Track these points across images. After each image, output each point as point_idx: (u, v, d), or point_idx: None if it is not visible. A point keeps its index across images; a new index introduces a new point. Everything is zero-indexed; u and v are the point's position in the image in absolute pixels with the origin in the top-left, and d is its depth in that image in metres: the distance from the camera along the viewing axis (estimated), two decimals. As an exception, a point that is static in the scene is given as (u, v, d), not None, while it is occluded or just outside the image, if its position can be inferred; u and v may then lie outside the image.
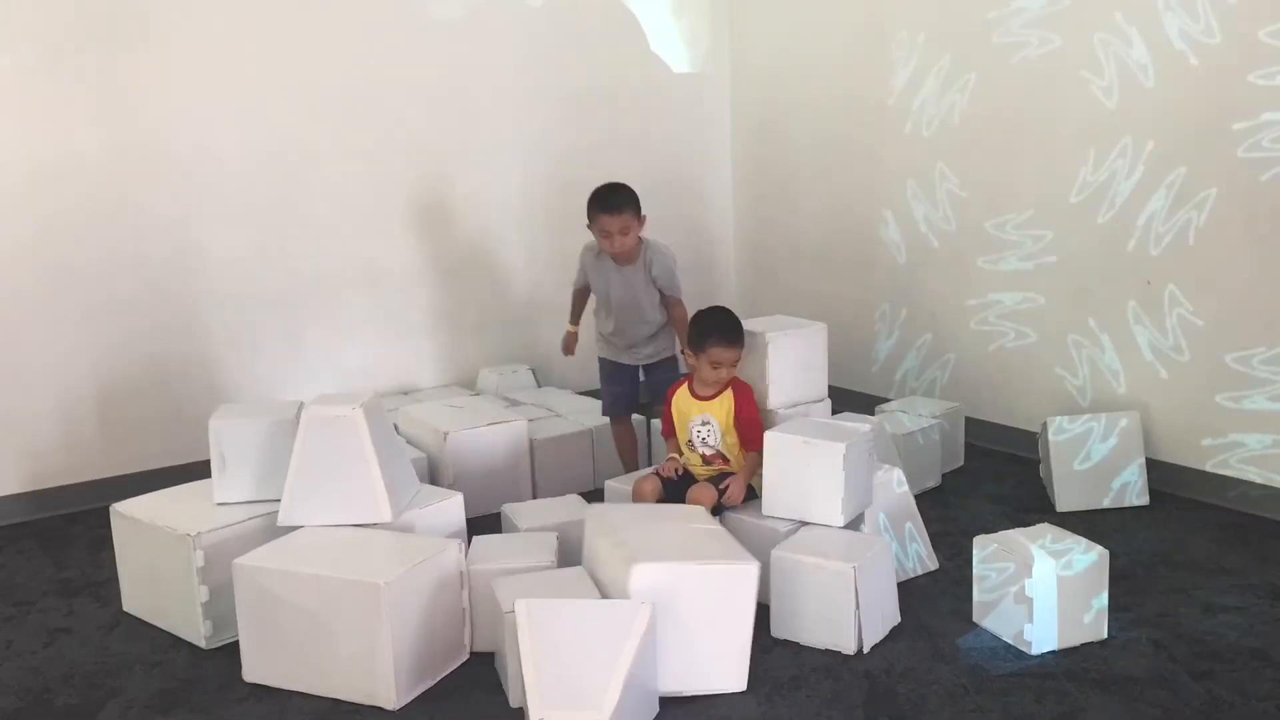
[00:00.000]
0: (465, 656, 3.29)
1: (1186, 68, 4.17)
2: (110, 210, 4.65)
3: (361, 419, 3.41)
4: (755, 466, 3.69)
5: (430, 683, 3.15)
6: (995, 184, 4.92)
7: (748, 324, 3.95)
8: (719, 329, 3.77)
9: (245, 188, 4.93)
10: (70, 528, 4.48)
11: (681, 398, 3.86)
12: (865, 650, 3.24)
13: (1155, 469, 4.37)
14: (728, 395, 3.77)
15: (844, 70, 5.55)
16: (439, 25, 5.33)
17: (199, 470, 4.83)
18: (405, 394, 5.34)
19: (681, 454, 3.86)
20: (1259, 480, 4.16)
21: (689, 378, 3.88)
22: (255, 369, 5.01)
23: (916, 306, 5.36)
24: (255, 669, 3.20)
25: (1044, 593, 3.18)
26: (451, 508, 3.65)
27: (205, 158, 4.82)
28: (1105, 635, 3.27)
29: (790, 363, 3.89)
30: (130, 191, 4.68)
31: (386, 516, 3.42)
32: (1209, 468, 4.31)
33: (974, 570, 3.40)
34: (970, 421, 4.96)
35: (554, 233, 5.68)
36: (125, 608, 3.70)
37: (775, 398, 3.87)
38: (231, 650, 3.34)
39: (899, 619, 3.42)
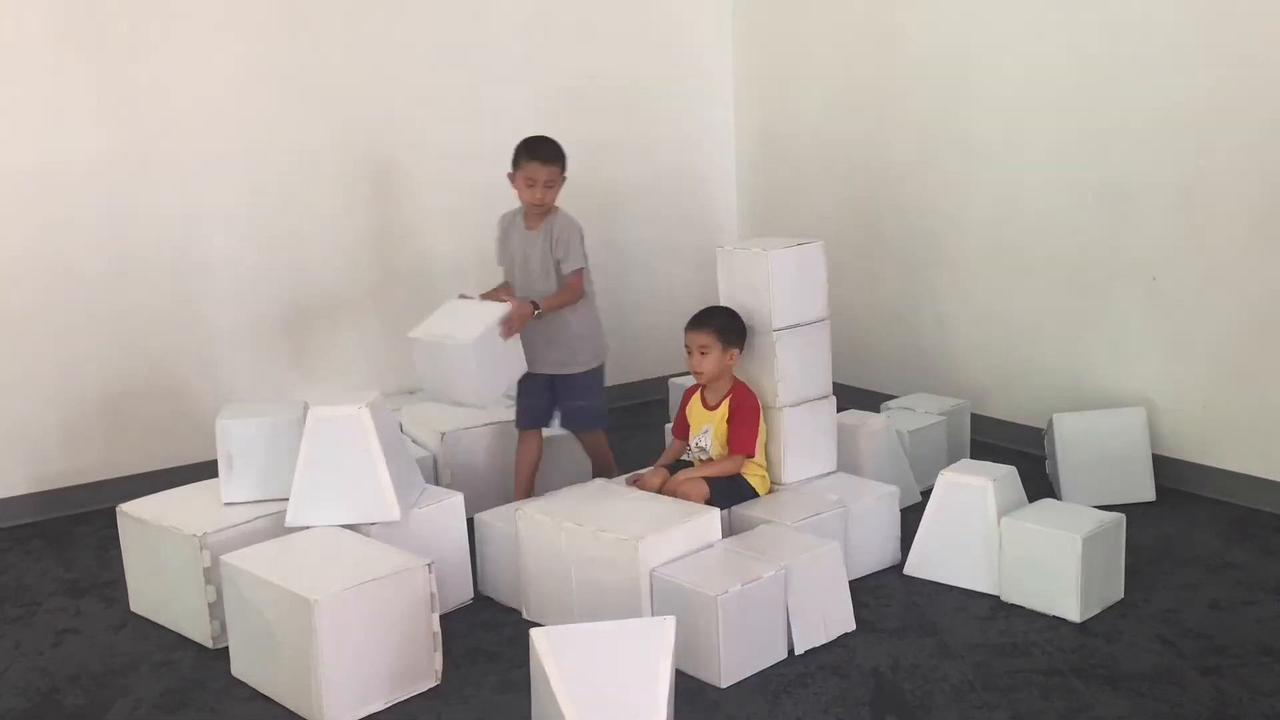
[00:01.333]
0: (433, 682, 3.15)
1: (1174, 71, 4.17)
2: (114, 213, 4.65)
3: (368, 418, 3.41)
4: (730, 470, 3.75)
5: (377, 706, 3.03)
6: (1001, 180, 4.91)
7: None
8: (694, 316, 3.83)
9: (248, 189, 4.92)
10: (77, 528, 4.49)
11: (694, 405, 3.91)
12: (797, 653, 3.23)
13: (1161, 464, 4.35)
14: (726, 403, 3.80)
15: (849, 65, 5.54)
16: (441, 27, 5.32)
17: (205, 470, 4.81)
18: (410, 394, 5.33)
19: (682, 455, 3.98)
20: (1265, 475, 4.15)
21: (703, 387, 3.89)
22: (259, 370, 5.01)
23: (921, 302, 5.34)
24: (238, 665, 3.22)
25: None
26: (452, 507, 3.65)
27: (208, 160, 4.81)
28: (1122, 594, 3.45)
29: (795, 360, 3.88)
30: (134, 195, 4.68)
31: (395, 515, 3.42)
32: (1215, 463, 4.30)
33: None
34: (976, 418, 4.96)
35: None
36: (133, 608, 3.71)
37: (783, 395, 3.86)
38: (238, 650, 3.35)
39: (853, 625, 3.38)
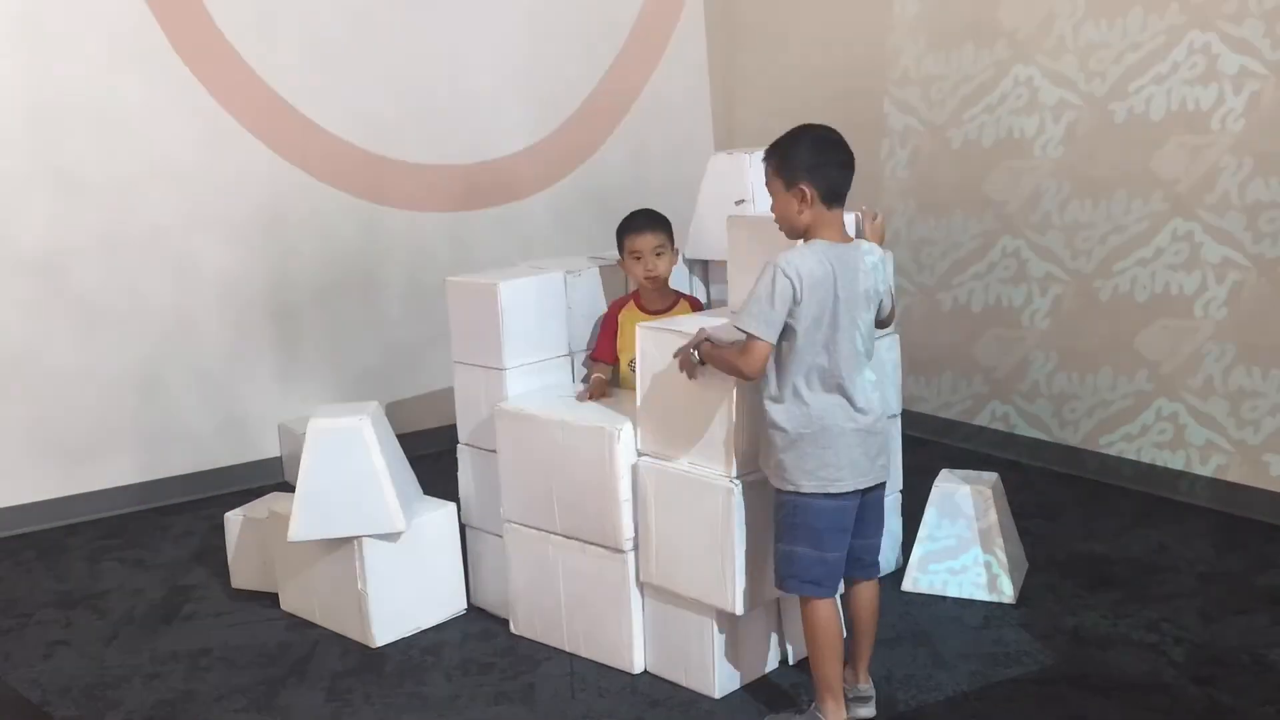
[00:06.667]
0: None
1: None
2: (110, 224, 4.64)
3: (369, 429, 3.42)
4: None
5: None
6: (987, 202, 4.93)
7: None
8: (631, 218, 3.54)
9: (242, 200, 4.91)
10: (69, 539, 4.47)
11: (629, 319, 3.49)
12: (791, 663, 3.24)
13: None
14: (683, 307, 3.51)
15: (836, 77, 5.56)
16: (434, 42, 5.31)
17: (194, 482, 4.85)
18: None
19: (613, 376, 3.55)
20: (1255, 484, 4.16)
21: (635, 293, 3.58)
22: (252, 381, 4.99)
23: (908, 318, 5.34)
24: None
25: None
26: (446, 518, 3.65)
27: (204, 170, 4.81)
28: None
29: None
30: (129, 205, 4.67)
31: (400, 526, 3.42)
32: (1205, 472, 4.31)
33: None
34: (970, 426, 4.95)
35: (551, 246, 5.65)
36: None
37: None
38: (230, 663, 3.35)
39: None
